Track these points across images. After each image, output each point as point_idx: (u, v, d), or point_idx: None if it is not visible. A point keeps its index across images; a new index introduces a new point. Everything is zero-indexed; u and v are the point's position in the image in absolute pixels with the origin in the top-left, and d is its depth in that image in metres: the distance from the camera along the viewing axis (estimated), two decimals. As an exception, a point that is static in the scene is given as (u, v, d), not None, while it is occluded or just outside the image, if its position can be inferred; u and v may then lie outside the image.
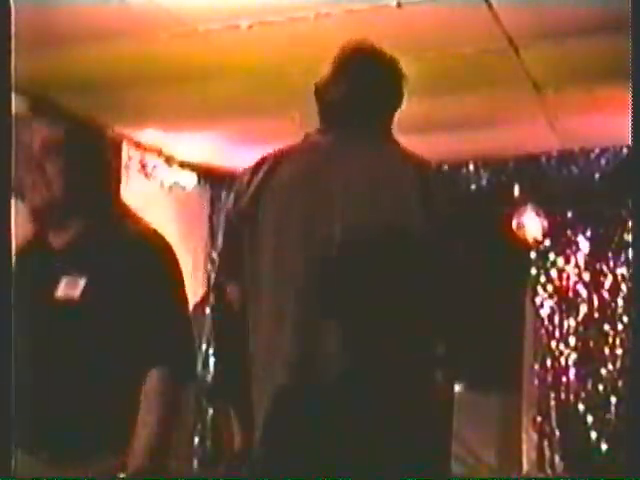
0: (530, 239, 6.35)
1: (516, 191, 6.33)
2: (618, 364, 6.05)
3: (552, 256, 6.41)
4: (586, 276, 6.31)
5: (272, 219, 2.32)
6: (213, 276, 7.13)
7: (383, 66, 2.48)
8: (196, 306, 7.02)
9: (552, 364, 6.33)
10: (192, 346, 2.53)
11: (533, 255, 6.45)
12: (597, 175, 6.07)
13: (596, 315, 6.24)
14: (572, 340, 6.30)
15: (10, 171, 1.96)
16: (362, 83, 2.43)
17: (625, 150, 5.80)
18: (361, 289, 2.23)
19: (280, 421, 2.28)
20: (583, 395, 6.21)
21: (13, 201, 2.03)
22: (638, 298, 2.08)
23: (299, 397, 2.26)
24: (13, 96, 2.05)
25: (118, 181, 5.88)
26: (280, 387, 2.27)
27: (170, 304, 2.43)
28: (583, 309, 6.30)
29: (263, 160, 2.44)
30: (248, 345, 2.38)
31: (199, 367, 7.04)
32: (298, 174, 2.33)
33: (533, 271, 6.45)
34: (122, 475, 2.22)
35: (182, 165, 6.71)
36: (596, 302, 6.26)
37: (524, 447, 6.37)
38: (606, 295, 6.22)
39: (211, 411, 6.95)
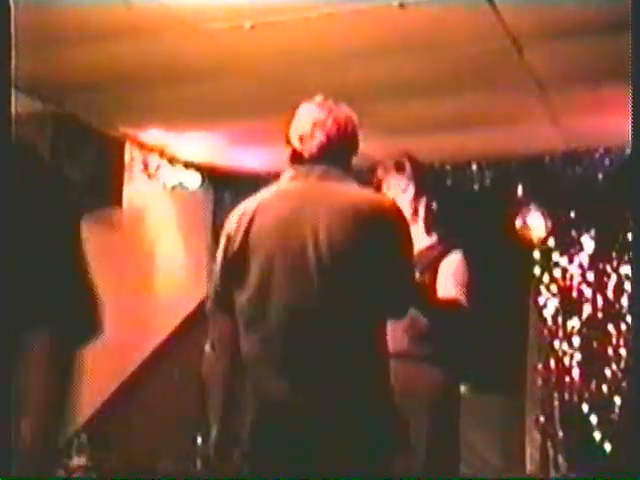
0: (534, 239, 6.34)
1: (520, 191, 6.32)
2: (622, 364, 6.04)
3: (556, 256, 6.40)
4: (590, 276, 6.30)
5: (258, 261, 2.63)
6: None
7: (346, 120, 2.80)
8: (200, 305, 7.03)
9: (556, 364, 6.32)
10: (85, 306, 2.37)
11: (537, 255, 6.44)
12: (601, 175, 6.06)
13: (600, 315, 6.23)
14: (576, 340, 6.29)
15: (10, 168, 1.94)
16: (330, 137, 2.75)
17: (629, 150, 5.78)
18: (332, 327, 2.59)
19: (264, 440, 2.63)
20: (587, 395, 6.20)
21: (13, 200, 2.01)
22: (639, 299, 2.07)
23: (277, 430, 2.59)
24: (13, 96, 2.04)
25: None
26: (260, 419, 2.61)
27: (63, 262, 2.32)
28: (587, 309, 6.29)
29: (246, 208, 2.73)
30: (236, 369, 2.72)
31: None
32: (278, 221, 2.65)
33: (537, 271, 6.44)
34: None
35: (185, 165, 6.71)
36: (600, 302, 6.25)
37: (527, 447, 6.36)
38: (610, 295, 6.21)
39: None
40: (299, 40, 4.41)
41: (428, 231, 4.03)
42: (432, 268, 3.79)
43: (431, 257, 3.85)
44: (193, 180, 6.77)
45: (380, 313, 2.71)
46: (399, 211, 2.75)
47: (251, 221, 2.67)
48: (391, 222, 2.66)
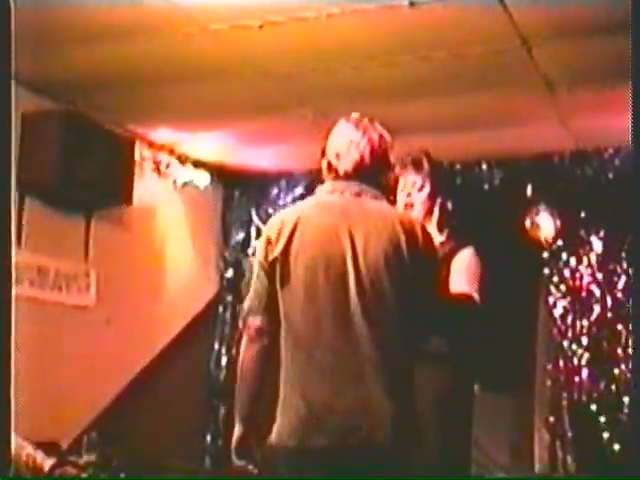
0: (543, 239, 6.33)
1: (529, 191, 6.30)
2: (631, 364, 6.02)
3: (565, 256, 6.38)
4: (599, 276, 6.28)
5: (302, 269, 2.81)
6: (225, 274, 7.15)
7: (379, 140, 2.99)
8: (209, 304, 7.05)
9: (565, 364, 6.30)
10: None
11: (546, 255, 6.42)
12: (610, 175, 6.05)
13: (609, 315, 6.21)
14: (585, 340, 6.28)
15: (10, 171, 1.96)
16: (364, 156, 2.94)
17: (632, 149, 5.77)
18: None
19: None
20: (596, 395, 6.18)
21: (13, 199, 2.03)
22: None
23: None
24: (13, 97, 2.06)
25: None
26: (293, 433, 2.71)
27: None
28: (596, 309, 6.28)
29: (287, 216, 2.92)
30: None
31: (211, 366, 7.06)
32: (320, 232, 2.84)
33: (546, 271, 6.42)
34: None
35: (195, 164, 6.72)
36: (609, 302, 6.23)
37: (536, 447, 6.35)
38: (619, 295, 6.20)
39: (223, 410, 6.96)
40: (308, 39, 4.42)
41: (440, 229, 4.04)
42: (444, 264, 3.77)
43: (443, 253, 3.86)
44: (203, 178, 6.77)
45: (411, 327, 2.86)
46: (428, 233, 2.97)
47: (294, 229, 2.84)
48: (421, 242, 2.86)
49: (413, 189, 3.96)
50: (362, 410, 2.69)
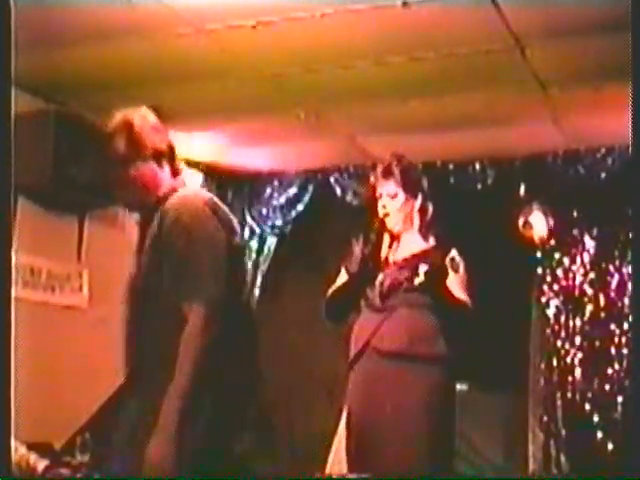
0: (536, 238, 6.33)
1: (522, 190, 6.31)
2: (624, 363, 6.03)
3: (558, 255, 6.39)
4: (592, 275, 6.29)
5: None
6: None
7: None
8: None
9: (558, 363, 6.31)
10: None
11: (539, 254, 6.43)
12: (603, 174, 6.05)
13: (602, 314, 6.22)
14: (578, 339, 6.29)
15: (10, 171, 1.96)
16: None
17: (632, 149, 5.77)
18: None
19: None
20: (589, 394, 6.19)
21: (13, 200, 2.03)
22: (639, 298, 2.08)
23: None
24: (16, 95, 2.05)
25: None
26: None
27: None
28: (589, 308, 6.29)
29: None
30: None
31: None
32: None
33: (539, 270, 6.43)
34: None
35: (188, 164, 6.70)
36: (602, 301, 6.24)
37: (530, 447, 6.35)
38: (612, 294, 6.21)
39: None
40: (302, 39, 4.41)
41: (425, 234, 4.03)
42: (437, 270, 3.81)
43: (435, 259, 3.87)
44: (195, 179, 6.76)
45: None
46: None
47: None
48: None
49: (387, 198, 3.99)
50: None
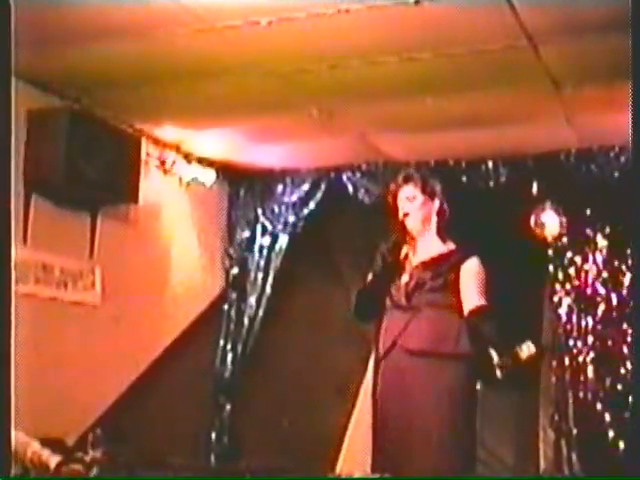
0: (548, 237, 6.32)
1: (535, 189, 6.30)
2: (629, 364, 6.02)
3: (570, 254, 6.38)
4: (604, 274, 6.28)
5: None
6: (231, 272, 7.16)
7: None
8: (214, 301, 7.05)
9: (570, 362, 6.30)
10: None
11: (551, 253, 6.42)
12: (616, 173, 6.04)
13: (614, 314, 6.21)
14: (590, 338, 6.27)
15: (9, 167, 1.97)
16: None
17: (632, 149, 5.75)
18: None
19: None
20: (601, 394, 6.18)
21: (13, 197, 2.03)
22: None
23: None
24: (13, 96, 2.06)
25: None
26: None
27: None
28: (601, 307, 6.27)
29: None
30: None
31: (217, 363, 7.06)
32: None
33: (551, 269, 6.42)
34: None
35: (201, 161, 6.72)
36: (614, 300, 6.23)
37: (541, 445, 6.35)
38: (625, 293, 6.19)
39: (228, 407, 6.97)
40: (315, 37, 4.41)
41: (443, 236, 4.27)
42: (453, 272, 4.16)
43: (451, 262, 4.21)
44: (208, 176, 6.78)
45: None
46: None
47: None
48: None
49: (407, 200, 4.31)
50: None
